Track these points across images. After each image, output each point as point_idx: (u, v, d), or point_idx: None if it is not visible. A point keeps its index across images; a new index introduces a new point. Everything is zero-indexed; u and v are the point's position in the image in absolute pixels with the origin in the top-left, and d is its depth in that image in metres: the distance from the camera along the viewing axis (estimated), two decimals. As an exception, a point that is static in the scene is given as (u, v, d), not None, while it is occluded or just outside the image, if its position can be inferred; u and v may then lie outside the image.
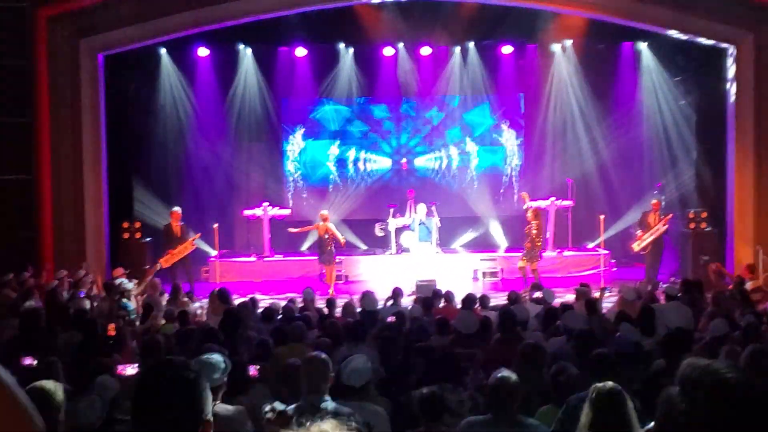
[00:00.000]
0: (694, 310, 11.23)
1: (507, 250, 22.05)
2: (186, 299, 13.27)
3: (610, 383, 5.12)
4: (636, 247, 19.49)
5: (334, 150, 23.74)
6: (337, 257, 19.79)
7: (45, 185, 17.70)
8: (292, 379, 6.12)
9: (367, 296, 11.31)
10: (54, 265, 16.88)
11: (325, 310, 12.15)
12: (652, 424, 4.61)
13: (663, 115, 22.27)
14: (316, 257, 19.81)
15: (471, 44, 22.65)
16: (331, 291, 18.19)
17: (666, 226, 19.20)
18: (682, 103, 21.89)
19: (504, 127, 23.75)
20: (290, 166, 23.70)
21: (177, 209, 19.21)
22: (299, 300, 13.49)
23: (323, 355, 6.08)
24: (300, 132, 23.65)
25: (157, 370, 2.95)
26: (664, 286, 13.72)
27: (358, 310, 11.38)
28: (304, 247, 22.28)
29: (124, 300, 13.20)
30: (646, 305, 10.66)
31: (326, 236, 18.79)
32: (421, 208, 20.26)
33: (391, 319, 10.42)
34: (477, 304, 11.84)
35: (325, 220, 19.01)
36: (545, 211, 20.76)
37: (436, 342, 8.82)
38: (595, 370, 6.42)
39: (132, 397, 2.88)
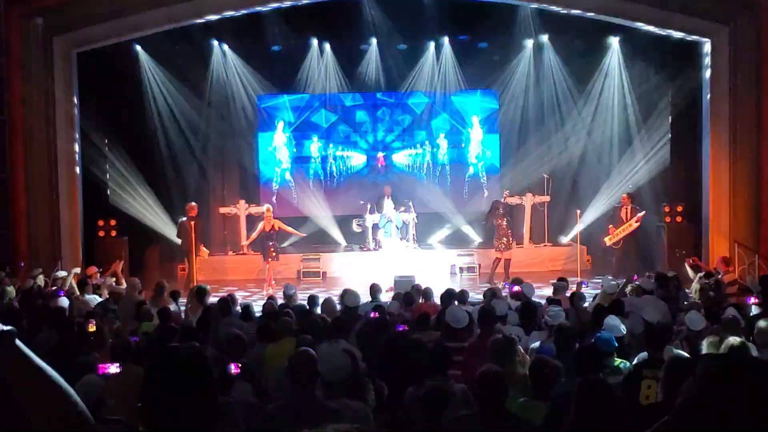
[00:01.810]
0: (670, 304, 11.28)
1: (483, 246, 22.09)
2: (169, 298, 13.18)
3: (595, 377, 5.15)
4: (608, 241, 19.63)
5: (311, 146, 23.69)
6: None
7: (19, 183, 17.56)
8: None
9: (348, 293, 11.30)
10: (29, 264, 16.78)
11: (306, 307, 12.16)
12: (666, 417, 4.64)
13: (637, 109, 22.36)
14: (288, 254, 19.93)
15: (446, 39, 22.64)
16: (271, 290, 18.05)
17: (638, 223, 19.34)
18: (657, 98, 21.97)
19: (480, 123, 23.75)
20: (266, 162, 23.62)
21: (194, 204, 19.81)
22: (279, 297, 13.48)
23: (311, 351, 6.06)
24: (276, 128, 23.57)
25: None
26: (638, 280, 13.75)
27: (338, 307, 11.36)
28: (287, 243, 22.21)
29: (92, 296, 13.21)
30: (616, 298, 10.73)
31: (270, 232, 18.93)
32: (388, 204, 20.22)
33: (373, 315, 10.40)
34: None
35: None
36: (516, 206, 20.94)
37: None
38: (579, 363, 6.45)
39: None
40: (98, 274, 16.09)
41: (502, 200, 20.30)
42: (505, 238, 19.41)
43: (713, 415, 2.22)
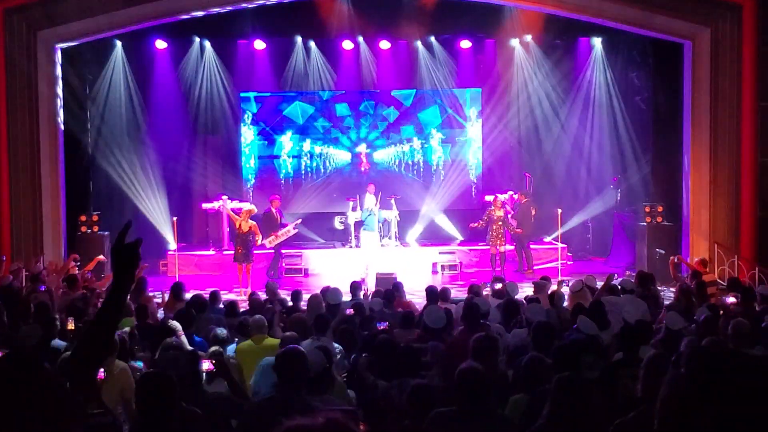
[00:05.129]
0: (649, 303, 11.36)
1: (464, 243, 22.15)
2: (150, 294, 13.18)
3: (571, 373, 5.20)
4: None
5: (294, 143, 23.70)
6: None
7: (2, 179, 17.55)
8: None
9: (331, 290, 11.36)
10: (10, 258, 16.76)
11: (290, 303, 12.21)
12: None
13: (619, 110, 22.46)
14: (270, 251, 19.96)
15: (431, 39, 22.69)
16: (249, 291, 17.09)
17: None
18: (637, 99, 22.10)
19: (463, 121, 23.84)
20: (248, 159, 23.64)
21: (276, 196, 20.76)
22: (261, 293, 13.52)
23: (300, 349, 6.13)
24: (259, 125, 23.59)
25: None
26: (620, 279, 13.82)
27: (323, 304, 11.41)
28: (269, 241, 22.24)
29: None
30: (595, 300, 10.77)
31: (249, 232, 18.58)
32: (370, 198, 20.25)
33: (349, 311, 10.46)
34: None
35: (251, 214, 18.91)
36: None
37: (399, 336, 8.89)
38: (555, 361, 6.51)
39: None
40: (75, 268, 16.05)
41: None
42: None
43: (697, 407, 2.30)
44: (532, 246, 21.45)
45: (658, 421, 2.39)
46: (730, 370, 2.32)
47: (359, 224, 21.13)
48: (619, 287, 12.18)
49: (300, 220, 20.16)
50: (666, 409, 2.40)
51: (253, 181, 23.64)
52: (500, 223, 19.79)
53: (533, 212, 20.76)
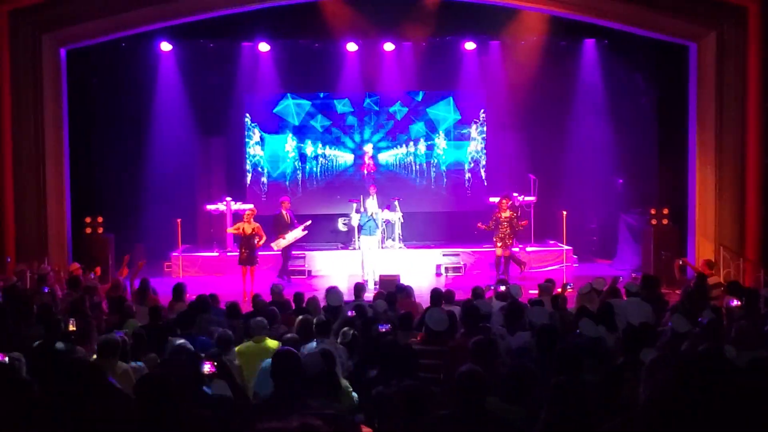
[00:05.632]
0: (655, 306, 11.32)
1: (469, 245, 22.08)
2: (155, 296, 13.16)
3: (568, 377, 5.17)
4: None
5: (297, 145, 23.70)
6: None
7: (7, 180, 17.56)
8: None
9: (332, 292, 11.33)
10: (15, 260, 16.80)
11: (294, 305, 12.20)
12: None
13: (624, 112, 22.40)
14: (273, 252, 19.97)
15: (434, 40, 22.63)
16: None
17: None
18: (643, 100, 22.04)
19: (467, 123, 23.80)
20: (253, 161, 23.63)
21: (287, 197, 20.76)
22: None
23: (294, 351, 6.12)
24: (262, 127, 23.59)
25: None
26: (625, 282, 13.78)
27: (323, 305, 11.39)
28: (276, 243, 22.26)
29: None
30: (604, 302, 10.72)
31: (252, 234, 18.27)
32: (371, 202, 20.22)
33: (351, 313, 10.44)
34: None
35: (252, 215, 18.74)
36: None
37: (402, 338, 8.86)
38: (558, 364, 6.47)
39: None
40: (81, 270, 16.06)
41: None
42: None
43: (684, 411, 2.29)
44: (534, 248, 21.45)
45: (647, 424, 2.39)
46: (716, 374, 2.32)
47: (362, 226, 21.11)
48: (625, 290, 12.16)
49: (310, 222, 20.06)
50: (654, 411, 2.39)
51: (260, 182, 23.60)
52: (507, 224, 19.65)
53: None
